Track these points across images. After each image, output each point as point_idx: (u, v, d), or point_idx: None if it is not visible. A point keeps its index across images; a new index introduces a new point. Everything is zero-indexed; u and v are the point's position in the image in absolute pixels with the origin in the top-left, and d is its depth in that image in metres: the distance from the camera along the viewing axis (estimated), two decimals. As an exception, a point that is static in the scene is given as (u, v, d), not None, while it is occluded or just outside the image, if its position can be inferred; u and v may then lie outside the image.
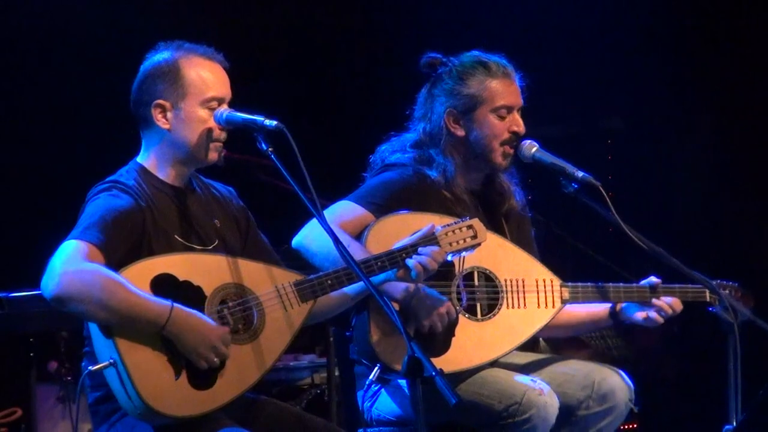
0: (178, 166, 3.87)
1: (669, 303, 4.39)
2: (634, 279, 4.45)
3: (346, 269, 3.80)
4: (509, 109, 4.36)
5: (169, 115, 3.82)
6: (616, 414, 4.31)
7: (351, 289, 3.94)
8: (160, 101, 3.81)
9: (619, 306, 4.43)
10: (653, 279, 4.41)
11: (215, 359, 3.65)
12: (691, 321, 4.54)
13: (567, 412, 4.26)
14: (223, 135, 3.85)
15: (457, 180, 4.37)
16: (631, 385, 4.35)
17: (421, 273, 3.91)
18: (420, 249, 3.93)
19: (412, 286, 4.06)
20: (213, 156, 3.86)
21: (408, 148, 4.41)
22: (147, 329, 3.59)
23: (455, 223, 4.02)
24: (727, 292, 4.46)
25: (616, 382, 4.31)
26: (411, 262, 3.91)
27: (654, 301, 4.38)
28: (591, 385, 4.29)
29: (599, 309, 4.47)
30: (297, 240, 4.22)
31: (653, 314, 4.38)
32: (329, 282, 3.84)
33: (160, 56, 3.85)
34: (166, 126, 3.83)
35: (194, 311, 3.65)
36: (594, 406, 4.28)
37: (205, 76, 3.83)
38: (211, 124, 3.83)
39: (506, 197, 4.47)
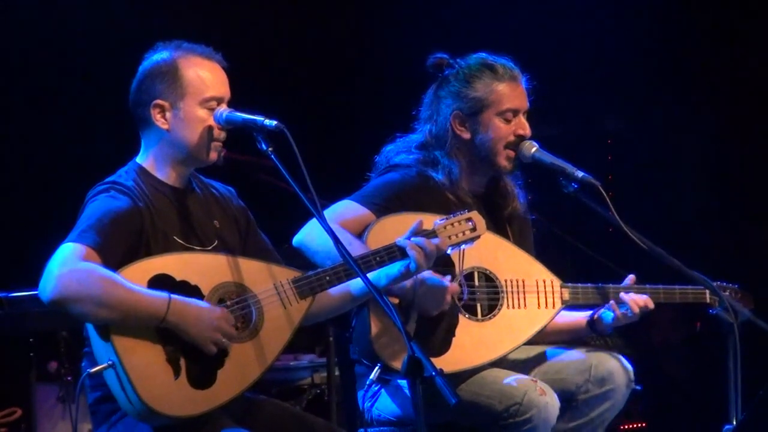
0: (178, 167, 3.87)
1: (635, 300, 4.33)
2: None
3: (345, 265, 3.79)
4: (515, 113, 4.36)
5: (168, 115, 3.82)
6: (617, 397, 4.30)
7: (355, 289, 3.94)
8: (159, 101, 3.81)
9: (597, 315, 4.41)
10: (631, 276, 4.39)
11: (223, 339, 3.65)
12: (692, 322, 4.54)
13: (567, 398, 4.25)
14: (222, 135, 3.85)
15: (462, 183, 4.37)
16: (630, 367, 4.34)
17: (420, 256, 3.88)
18: (413, 238, 3.92)
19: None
20: (213, 156, 3.85)
21: (413, 149, 4.41)
22: (147, 324, 3.59)
23: (453, 215, 4.01)
24: (727, 293, 4.46)
25: (614, 365, 4.31)
26: (405, 242, 3.88)
27: (624, 297, 4.33)
28: (588, 369, 4.29)
29: (577, 319, 4.45)
30: (298, 238, 4.22)
31: (618, 314, 4.33)
32: (327, 278, 3.84)
33: (158, 56, 3.85)
34: (165, 126, 3.82)
35: (191, 299, 3.65)
36: (593, 389, 4.28)
37: (204, 75, 3.83)
38: (211, 123, 3.83)
39: (510, 200, 4.47)
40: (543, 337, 4.40)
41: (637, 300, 4.32)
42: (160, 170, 3.86)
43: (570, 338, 4.52)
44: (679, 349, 7.04)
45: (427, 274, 4.06)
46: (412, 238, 3.90)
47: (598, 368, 4.28)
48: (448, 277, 4.13)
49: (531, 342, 4.34)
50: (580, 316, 4.44)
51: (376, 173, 4.45)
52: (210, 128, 3.82)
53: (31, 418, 5.62)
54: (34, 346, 5.54)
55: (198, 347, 3.63)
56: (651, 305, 4.34)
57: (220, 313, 3.67)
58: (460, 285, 4.21)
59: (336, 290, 3.90)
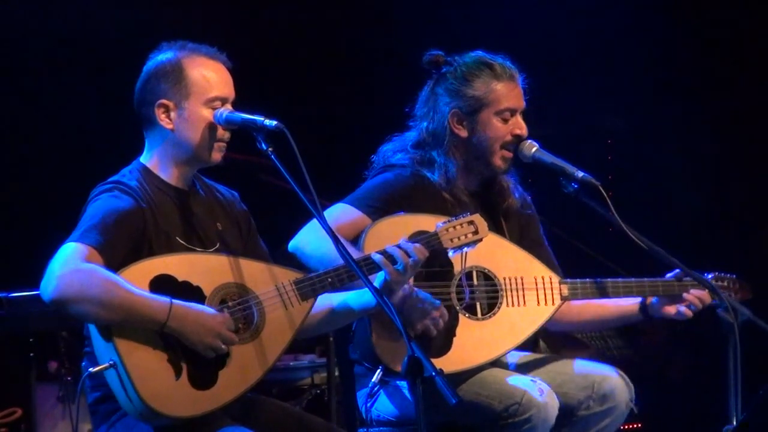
0: (182, 167, 3.87)
1: (698, 296, 4.39)
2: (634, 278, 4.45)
3: (347, 267, 3.79)
4: (513, 112, 4.36)
5: (172, 114, 3.82)
6: (617, 414, 4.31)
7: (356, 304, 3.91)
8: (164, 101, 3.81)
9: (649, 300, 4.42)
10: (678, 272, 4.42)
11: (222, 346, 3.65)
12: (691, 321, 4.54)
13: (567, 412, 4.25)
14: (227, 135, 3.84)
15: (458, 181, 4.36)
16: (631, 385, 4.35)
17: (407, 263, 3.85)
18: (401, 242, 3.90)
19: (406, 288, 4.03)
20: (216, 156, 3.85)
21: (410, 149, 4.40)
22: (148, 327, 3.59)
23: (456, 218, 4.01)
24: (725, 284, 4.48)
25: (616, 383, 4.31)
26: (394, 249, 3.86)
27: (685, 295, 4.38)
28: (591, 385, 4.28)
29: (628, 304, 4.46)
30: (293, 243, 4.20)
31: (683, 308, 4.38)
32: (329, 280, 3.83)
33: (163, 56, 3.85)
34: (170, 126, 3.82)
35: (192, 304, 3.64)
36: (594, 406, 4.28)
37: (209, 75, 3.82)
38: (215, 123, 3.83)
39: (505, 196, 4.46)
40: (584, 326, 4.42)
41: (702, 297, 4.38)
42: (163, 170, 3.86)
43: (617, 325, 4.51)
44: (680, 350, 7.04)
45: (423, 292, 4.06)
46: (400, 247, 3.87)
47: (601, 385, 4.28)
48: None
49: (566, 335, 4.35)
50: (631, 302, 4.45)
51: (371, 173, 4.44)
52: (214, 128, 3.82)
53: (31, 418, 5.62)
54: (34, 346, 5.54)
55: (197, 351, 3.62)
56: (708, 300, 4.40)
57: (221, 318, 3.66)
58: (460, 285, 4.21)
59: (338, 301, 3.90)
